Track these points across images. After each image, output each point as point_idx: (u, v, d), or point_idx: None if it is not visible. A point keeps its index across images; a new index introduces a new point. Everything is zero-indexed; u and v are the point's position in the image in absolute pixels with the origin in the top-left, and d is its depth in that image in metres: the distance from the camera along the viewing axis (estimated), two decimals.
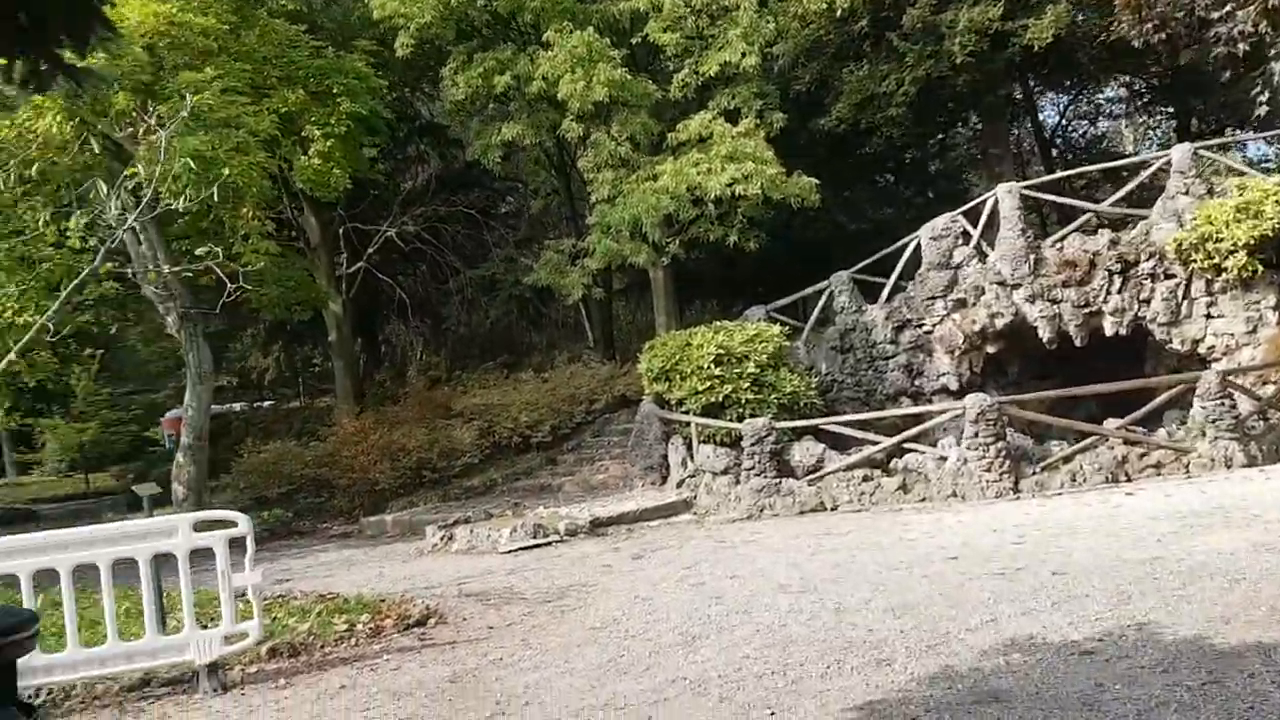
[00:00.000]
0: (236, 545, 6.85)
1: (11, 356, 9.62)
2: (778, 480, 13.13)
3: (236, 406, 25.80)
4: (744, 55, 17.22)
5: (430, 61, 20.31)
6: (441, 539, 12.37)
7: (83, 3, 2.94)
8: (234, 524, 6.87)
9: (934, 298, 16.04)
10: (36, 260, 12.61)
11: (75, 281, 9.15)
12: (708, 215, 17.32)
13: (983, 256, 15.90)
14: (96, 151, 11.95)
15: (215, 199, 13.17)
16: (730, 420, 14.13)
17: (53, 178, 12.36)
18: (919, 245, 16.46)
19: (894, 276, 16.67)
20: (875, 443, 13.20)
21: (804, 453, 13.51)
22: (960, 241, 16.13)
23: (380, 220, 21.87)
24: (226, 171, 12.96)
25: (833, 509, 12.60)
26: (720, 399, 14.37)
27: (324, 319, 21.37)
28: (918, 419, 13.85)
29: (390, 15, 17.94)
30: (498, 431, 17.63)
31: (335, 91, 16.54)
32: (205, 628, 6.89)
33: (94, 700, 6.77)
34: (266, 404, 26.13)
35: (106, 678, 6.78)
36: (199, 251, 9.59)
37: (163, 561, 6.84)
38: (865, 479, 12.77)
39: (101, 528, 6.88)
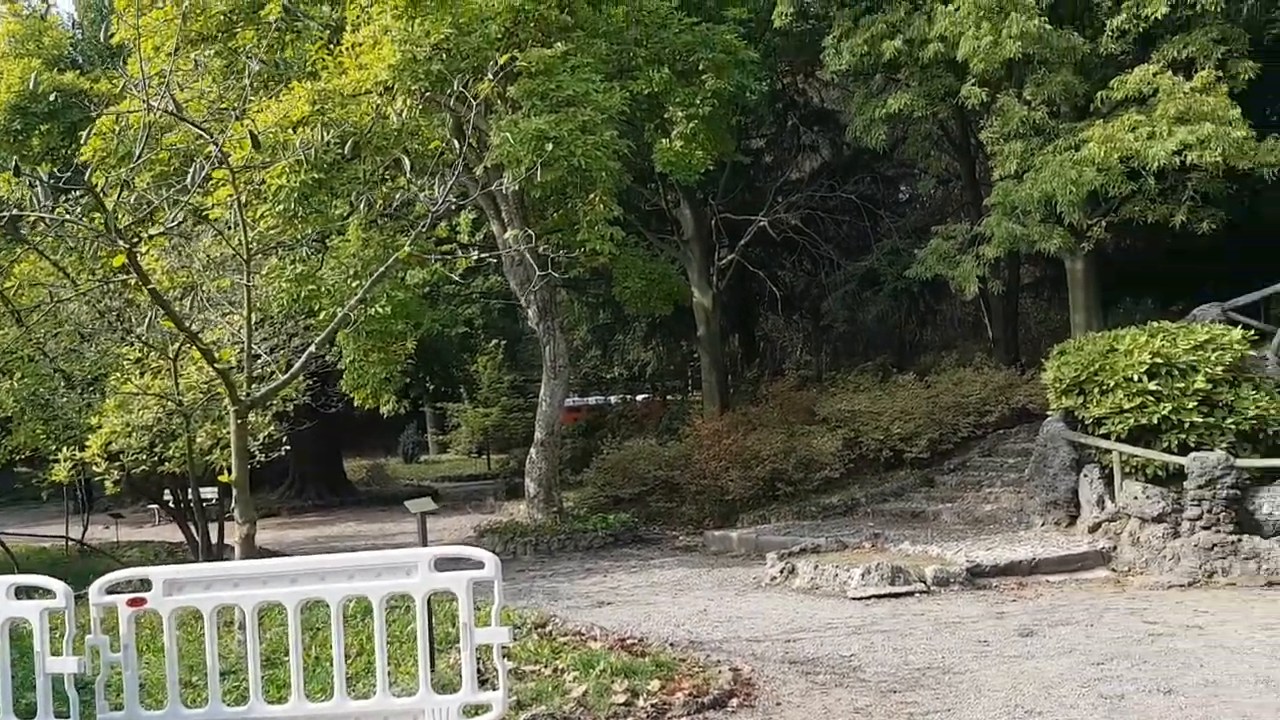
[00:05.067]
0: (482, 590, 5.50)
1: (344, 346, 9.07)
2: (1236, 537, 9.89)
3: (612, 399, 25.72)
4: None
5: (814, 38, 18.45)
6: (781, 571, 10.49)
7: None
8: (480, 564, 5.51)
9: None
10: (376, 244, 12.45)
11: (390, 261, 8.37)
12: (1146, 191, 14.02)
13: None
14: (449, 136, 11.46)
15: (564, 184, 12.39)
16: (1168, 450, 11.03)
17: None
18: None
19: None
20: None
21: (1276, 502, 10.04)
22: None
23: (756, 211, 20.44)
24: (572, 152, 12.11)
25: None
26: (1154, 421, 11.24)
27: (694, 313, 20.34)
28: None
29: None
30: (864, 443, 15.41)
31: (701, 68, 15.27)
32: (442, 691, 5.62)
33: None
34: (640, 398, 25.77)
35: None
36: (506, 236, 8.52)
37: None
38: None
39: (335, 559, 5.85)
